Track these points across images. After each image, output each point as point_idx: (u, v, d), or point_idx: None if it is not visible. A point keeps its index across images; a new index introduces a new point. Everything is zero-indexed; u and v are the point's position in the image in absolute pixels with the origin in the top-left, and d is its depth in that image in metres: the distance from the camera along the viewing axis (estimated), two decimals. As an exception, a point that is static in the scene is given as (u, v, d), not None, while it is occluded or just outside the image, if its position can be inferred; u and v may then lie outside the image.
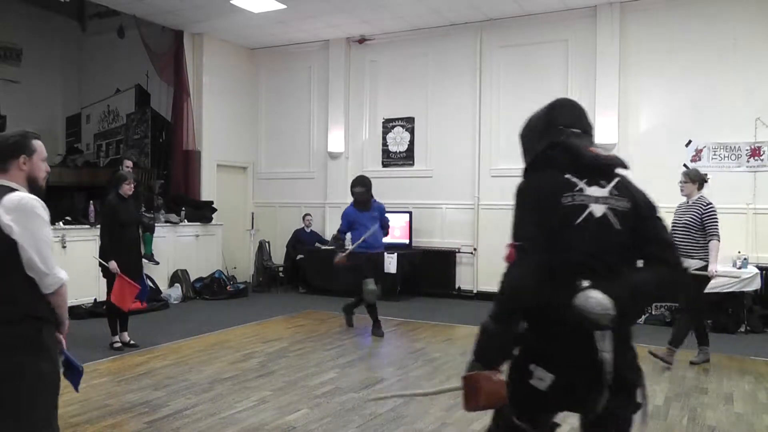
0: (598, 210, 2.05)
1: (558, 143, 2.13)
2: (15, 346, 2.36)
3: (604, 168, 2.13)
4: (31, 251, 2.36)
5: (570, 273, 1.98)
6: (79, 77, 12.90)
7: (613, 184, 2.11)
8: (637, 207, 2.10)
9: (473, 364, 2.02)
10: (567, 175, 2.08)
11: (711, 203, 5.87)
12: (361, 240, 7.10)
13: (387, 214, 7.17)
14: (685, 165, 8.45)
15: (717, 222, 5.78)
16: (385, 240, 9.88)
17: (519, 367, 2.07)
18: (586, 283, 1.95)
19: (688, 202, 5.94)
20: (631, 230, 2.07)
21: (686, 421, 4.44)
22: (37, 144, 2.57)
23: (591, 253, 2.01)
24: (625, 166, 2.16)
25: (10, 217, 2.35)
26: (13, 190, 2.44)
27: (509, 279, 2.01)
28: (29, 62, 12.02)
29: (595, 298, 1.91)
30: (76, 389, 2.59)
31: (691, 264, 5.62)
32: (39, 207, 2.43)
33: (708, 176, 6.10)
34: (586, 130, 2.24)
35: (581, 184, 2.07)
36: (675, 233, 5.77)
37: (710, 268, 5.69)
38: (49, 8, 11.49)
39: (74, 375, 2.57)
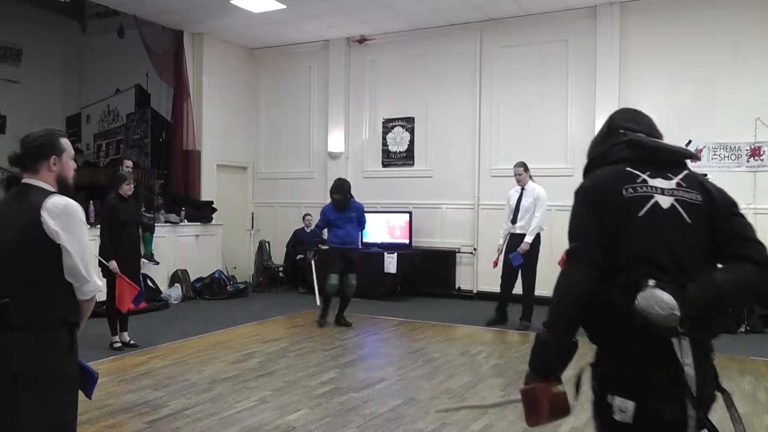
0: (664, 202, 1.86)
1: (619, 143, 1.98)
2: (54, 350, 2.37)
3: (669, 159, 1.97)
4: (76, 258, 2.35)
5: (635, 270, 1.79)
6: (79, 77, 12.90)
7: (680, 176, 1.93)
8: (713, 202, 1.91)
9: (530, 375, 1.88)
10: (628, 168, 1.92)
11: None
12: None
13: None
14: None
15: None
16: (385, 240, 10.08)
17: (600, 405, 1.85)
18: (651, 282, 1.74)
19: None
20: (706, 226, 1.87)
21: (686, 421, 4.43)
22: (66, 143, 2.53)
23: (658, 248, 1.81)
24: (695, 158, 2.00)
25: (54, 222, 2.32)
26: (50, 192, 2.42)
27: (560, 284, 1.87)
28: (29, 62, 12.02)
29: (655, 297, 1.71)
30: (89, 396, 2.59)
31: None
32: (81, 212, 2.42)
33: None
34: (653, 134, 2.05)
35: (644, 176, 1.90)
36: None
37: None
38: (49, 8, 11.49)
39: (87, 381, 2.57)
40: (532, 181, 7.63)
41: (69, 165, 2.53)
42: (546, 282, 8.98)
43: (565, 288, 1.86)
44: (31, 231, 2.32)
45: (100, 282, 2.47)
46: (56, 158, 2.47)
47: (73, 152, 2.57)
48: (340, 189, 7.59)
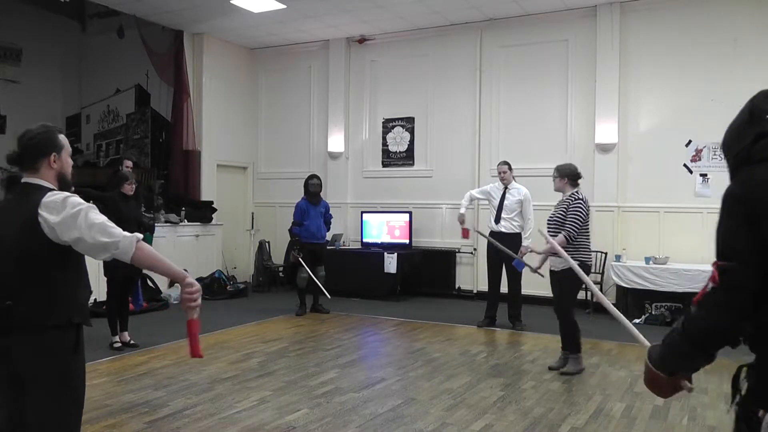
0: None
1: (767, 133, 1.69)
2: (58, 351, 2.35)
3: None
4: (95, 233, 2.26)
5: None
6: (79, 77, 12.90)
7: None
8: None
9: (650, 365, 1.74)
10: None
11: (581, 199, 5.52)
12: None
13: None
14: (685, 165, 8.47)
15: (579, 220, 5.39)
16: (385, 240, 10.15)
17: (747, 419, 1.62)
18: None
19: (563, 197, 5.70)
20: None
21: (686, 420, 4.44)
22: (64, 139, 2.49)
23: None
24: None
25: (54, 216, 2.27)
26: (49, 189, 2.37)
27: (703, 314, 1.61)
28: (29, 62, 12.01)
29: None
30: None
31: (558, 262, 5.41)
32: (82, 201, 2.35)
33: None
34: None
35: None
36: (549, 229, 5.59)
37: (535, 264, 5.53)
38: (49, 8, 11.47)
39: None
40: (515, 180, 7.65)
41: (68, 161, 2.49)
42: (535, 282, 8.99)
43: (705, 320, 1.62)
44: (31, 231, 2.28)
45: (129, 233, 2.32)
46: (56, 155, 2.42)
47: (70, 149, 2.53)
48: (317, 176, 8.60)
